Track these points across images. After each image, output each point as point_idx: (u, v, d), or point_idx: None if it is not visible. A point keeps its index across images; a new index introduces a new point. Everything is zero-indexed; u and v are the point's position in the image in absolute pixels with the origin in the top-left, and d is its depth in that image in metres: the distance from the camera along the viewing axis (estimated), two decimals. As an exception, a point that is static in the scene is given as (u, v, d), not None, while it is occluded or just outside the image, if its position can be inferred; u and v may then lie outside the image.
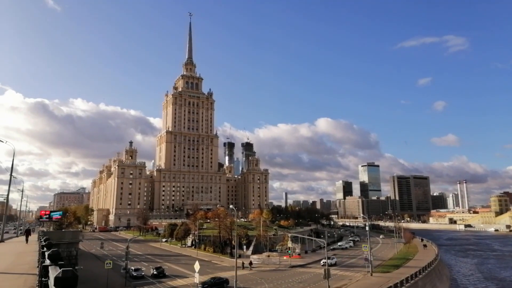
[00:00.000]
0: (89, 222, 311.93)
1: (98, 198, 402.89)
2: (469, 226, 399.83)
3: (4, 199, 71.64)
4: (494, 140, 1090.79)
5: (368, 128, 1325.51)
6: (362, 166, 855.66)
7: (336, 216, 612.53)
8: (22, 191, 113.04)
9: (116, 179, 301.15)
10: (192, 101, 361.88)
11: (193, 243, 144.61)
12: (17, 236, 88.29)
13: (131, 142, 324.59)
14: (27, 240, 56.78)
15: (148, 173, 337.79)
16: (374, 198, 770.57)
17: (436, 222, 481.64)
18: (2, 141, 61.02)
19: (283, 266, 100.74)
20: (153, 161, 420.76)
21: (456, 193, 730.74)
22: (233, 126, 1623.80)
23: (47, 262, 11.56)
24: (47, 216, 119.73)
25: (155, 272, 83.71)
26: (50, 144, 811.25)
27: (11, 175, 62.84)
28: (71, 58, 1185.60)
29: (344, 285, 73.79)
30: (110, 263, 66.94)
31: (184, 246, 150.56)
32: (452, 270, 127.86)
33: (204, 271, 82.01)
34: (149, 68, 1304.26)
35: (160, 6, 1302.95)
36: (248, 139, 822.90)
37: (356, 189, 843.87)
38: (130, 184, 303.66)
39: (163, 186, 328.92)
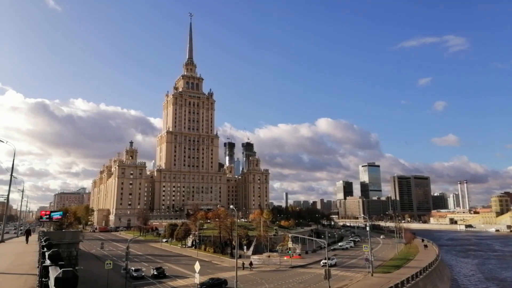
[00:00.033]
0: (89, 222, 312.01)
1: (98, 198, 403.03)
2: (470, 226, 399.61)
3: (5, 199, 71.63)
4: (494, 140, 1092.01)
5: (369, 128, 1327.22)
6: (362, 166, 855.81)
7: (337, 216, 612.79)
8: (23, 191, 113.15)
9: (116, 179, 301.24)
10: (192, 101, 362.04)
11: (194, 243, 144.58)
12: (17, 236, 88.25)
13: (131, 142, 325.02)
14: (27, 241, 56.71)
15: (148, 173, 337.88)
16: (375, 198, 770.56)
17: (436, 222, 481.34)
18: (3, 141, 61.04)
19: (284, 266, 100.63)
20: (153, 161, 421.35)
21: (456, 193, 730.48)
22: (234, 126, 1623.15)
23: (48, 262, 11.50)
24: (48, 216, 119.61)
25: (155, 273, 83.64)
26: (50, 144, 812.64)
27: (11, 175, 62.82)
28: (71, 58, 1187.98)
29: (345, 285, 73.68)
30: (110, 263, 66.85)
31: (184, 246, 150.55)
32: (453, 270, 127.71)
33: (205, 272, 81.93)
34: (150, 68, 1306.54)
35: (161, 6, 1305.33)
36: (248, 139, 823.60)
37: (356, 189, 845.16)
38: (131, 184, 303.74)
39: (164, 186, 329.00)
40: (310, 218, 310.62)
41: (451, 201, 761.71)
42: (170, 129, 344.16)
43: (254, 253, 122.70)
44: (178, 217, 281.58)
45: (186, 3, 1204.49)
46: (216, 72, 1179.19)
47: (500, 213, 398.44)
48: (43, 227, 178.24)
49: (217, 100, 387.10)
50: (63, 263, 11.07)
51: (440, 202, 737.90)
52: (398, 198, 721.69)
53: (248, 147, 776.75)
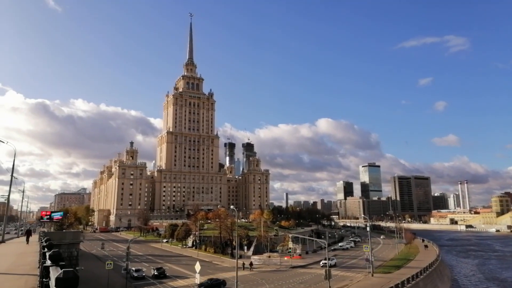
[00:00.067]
0: (89, 223, 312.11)
1: (98, 198, 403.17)
2: (470, 226, 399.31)
3: (5, 199, 71.72)
4: (495, 140, 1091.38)
5: (369, 128, 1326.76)
6: (362, 166, 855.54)
7: (337, 216, 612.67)
8: (23, 191, 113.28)
9: (116, 179, 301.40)
10: (192, 101, 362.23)
11: (194, 243, 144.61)
12: (18, 237, 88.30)
13: (131, 143, 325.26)
14: (27, 241, 56.75)
15: (148, 173, 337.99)
16: (375, 198, 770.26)
17: (437, 222, 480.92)
18: (3, 142, 61.12)
19: (284, 266, 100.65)
20: (153, 161, 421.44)
21: (457, 193, 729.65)
22: (234, 127, 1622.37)
23: (48, 262, 11.54)
24: (48, 216, 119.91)
25: (156, 273, 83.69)
26: (51, 145, 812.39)
27: (12, 175, 62.90)
28: (72, 58, 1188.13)
29: (345, 285, 73.71)
30: (111, 263, 66.89)
31: (184, 246, 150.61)
32: (453, 270, 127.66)
33: (205, 272, 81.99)
34: (150, 69, 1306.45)
35: (161, 6, 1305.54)
36: (248, 139, 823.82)
37: (357, 189, 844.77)
38: (131, 184, 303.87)
39: (164, 187, 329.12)
40: (311, 219, 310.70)
41: (451, 201, 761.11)
42: (171, 130, 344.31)
43: (254, 253, 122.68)
44: (178, 217, 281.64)
45: (186, 3, 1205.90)
46: (216, 72, 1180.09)
47: (500, 213, 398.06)
48: (44, 227, 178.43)
49: (218, 101, 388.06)
50: (63, 263, 11.12)
51: (441, 202, 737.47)
52: (398, 198, 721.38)
53: (248, 147, 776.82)
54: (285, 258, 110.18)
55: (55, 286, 7.27)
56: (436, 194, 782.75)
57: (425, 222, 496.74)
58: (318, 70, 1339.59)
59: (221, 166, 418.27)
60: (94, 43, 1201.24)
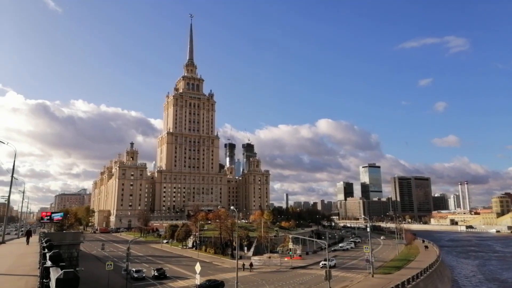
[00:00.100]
0: (90, 224, 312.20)
1: (99, 199, 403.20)
2: (471, 227, 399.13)
3: (6, 200, 71.74)
4: (495, 141, 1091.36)
5: (369, 129, 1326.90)
6: (363, 167, 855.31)
7: (337, 217, 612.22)
8: (23, 192, 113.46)
9: (117, 180, 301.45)
10: (193, 102, 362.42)
11: (194, 244, 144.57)
12: (18, 238, 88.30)
13: (132, 143, 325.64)
14: (28, 242, 56.74)
15: (149, 174, 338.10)
16: (375, 199, 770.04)
17: (437, 223, 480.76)
18: (4, 143, 61.15)
19: (284, 267, 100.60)
20: (154, 162, 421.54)
21: (457, 194, 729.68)
22: (234, 127, 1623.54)
23: (49, 263, 11.55)
24: (48, 217, 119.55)
25: (156, 274, 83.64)
26: (51, 146, 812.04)
27: (12, 176, 62.92)
28: (72, 59, 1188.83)
29: (346, 286, 73.68)
30: (111, 264, 66.88)
31: (185, 247, 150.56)
32: (454, 271, 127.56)
33: (205, 273, 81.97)
34: (150, 69, 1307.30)
35: (161, 7, 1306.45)
36: (249, 140, 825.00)
37: (357, 190, 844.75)
38: (131, 185, 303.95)
39: (164, 187, 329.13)
40: (311, 219, 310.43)
41: (451, 202, 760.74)
42: (171, 130, 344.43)
43: (254, 254, 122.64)
44: (178, 218, 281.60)
45: (186, 3, 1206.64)
46: (217, 73, 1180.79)
47: (500, 214, 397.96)
48: (44, 228, 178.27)
49: (218, 101, 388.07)
50: (64, 264, 11.13)
51: (441, 203, 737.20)
52: (398, 199, 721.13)
53: (248, 148, 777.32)
54: (285, 259, 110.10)
55: (56, 287, 7.28)
56: (436, 195, 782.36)
57: (425, 222, 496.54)
58: (318, 70, 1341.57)
59: (221, 166, 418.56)
60: (95, 44, 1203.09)
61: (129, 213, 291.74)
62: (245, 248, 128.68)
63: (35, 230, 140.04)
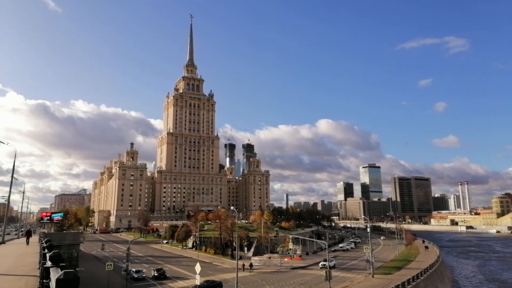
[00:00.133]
0: (90, 224, 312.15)
1: (99, 199, 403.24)
2: (471, 227, 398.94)
3: (6, 200, 71.71)
4: (495, 141, 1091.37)
5: (369, 129, 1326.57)
6: (363, 167, 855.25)
7: (337, 217, 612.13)
8: (23, 192, 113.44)
9: (117, 180, 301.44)
10: (193, 102, 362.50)
11: (194, 244, 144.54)
12: (18, 238, 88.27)
13: (132, 144, 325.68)
14: (27, 242, 56.70)
15: (149, 174, 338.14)
16: (375, 199, 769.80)
17: (437, 223, 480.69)
18: (4, 143, 61.12)
19: (284, 267, 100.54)
20: (154, 162, 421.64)
21: (457, 194, 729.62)
22: (234, 128, 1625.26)
23: (49, 263, 11.51)
24: (48, 217, 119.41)
25: (156, 274, 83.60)
26: (51, 146, 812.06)
27: (12, 176, 62.89)
28: (72, 59, 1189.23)
29: (346, 286, 73.65)
30: (111, 264, 66.85)
31: (185, 247, 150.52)
32: (454, 271, 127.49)
33: (205, 273, 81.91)
34: (150, 70, 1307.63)
35: (161, 7, 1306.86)
36: (249, 140, 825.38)
37: (357, 190, 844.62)
38: (131, 185, 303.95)
39: (164, 188, 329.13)
40: (311, 219, 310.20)
41: (451, 202, 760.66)
42: (171, 131, 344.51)
43: (254, 254, 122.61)
44: (178, 218, 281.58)
45: (187, 4, 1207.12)
46: (217, 73, 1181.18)
47: (501, 214, 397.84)
48: (44, 228, 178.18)
49: (218, 101, 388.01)
50: (64, 264, 11.10)
51: (441, 203, 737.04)
52: (398, 199, 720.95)
53: (248, 148, 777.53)
54: (285, 259, 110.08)
55: (56, 287, 7.25)
56: (436, 195, 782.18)
57: (425, 223, 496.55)
58: (318, 70, 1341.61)
59: (221, 167, 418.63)
60: (95, 44, 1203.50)
61: (129, 213, 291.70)
62: (245, 248, 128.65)
63: (35, 231, 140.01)
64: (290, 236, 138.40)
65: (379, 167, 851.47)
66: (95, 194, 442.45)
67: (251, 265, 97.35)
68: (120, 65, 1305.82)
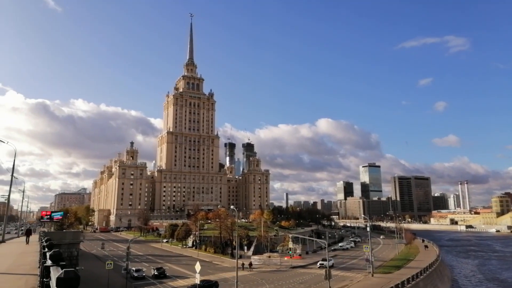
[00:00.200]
0: (90, 223, 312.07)
1: (99, 198, 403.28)
2: (470, 227, 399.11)
3: (5, 199, 71.74)
4: (495, 141, 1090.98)
5: (369, 128, 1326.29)
6: (363, 166, 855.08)
7: (337, 216, 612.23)
8: (23, 191, 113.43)
9: (117, 179, 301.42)
10: (193, 101, 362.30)
11: (194, 243, 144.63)
12: (18, 237, 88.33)
13: (132, 143, 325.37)
14: (27, 241, 56.73)
15: (149, 173, 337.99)
16: (375, 198, 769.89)
17: (437, 222, 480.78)
18: (3, 142, 61.14)
19: (284, 266, 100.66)
20: (154, 161, 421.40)
21: (457, 193, 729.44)
22: (234, 127, 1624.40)
23: (49, 262, 11.53)
24: (48, 216, 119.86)
25: (156, 273, 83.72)
26: (51, 145, 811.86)
27: (12, 175, 62.91)
28: (72, 59, 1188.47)
29: (345, 285, 73.72)
30: (111, 263, 66.90)
31: (185, 246, 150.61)
32: (454, 271, 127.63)
33: (205, 272, 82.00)
34: (150, 69, 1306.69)
35: (161, 6, 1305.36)
36: (249, 139, 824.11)
37: (357, 189, 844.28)
38: (131, 184, 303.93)
39: (164, 187, 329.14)
40: (311, 219, 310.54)
41: (451, 202, 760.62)
42: (171, 130, 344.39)
43: (254, 253, 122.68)
44: (178, 217, 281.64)
45: (186, 3, 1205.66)
46: (217, 73, 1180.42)
47: (500, 213, 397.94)
48: (44, 227, 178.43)
49: (218, 101, 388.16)
50: (64, 263, 11.12)
51: (441, 203, 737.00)
52: (398, 199, 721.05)
53: (248, 147, 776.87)
54: (285, 258, 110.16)
55: (56, 286, 7.26)
56: (436, 195, 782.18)
57: (425, 222, 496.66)
58: (318, 70, 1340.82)
59: (221, 166, 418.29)
60: (94, 43, 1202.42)
61: (129, 213, 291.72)
62: (245, 247, 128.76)
63: (35, 229, 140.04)
64: (290, 235, 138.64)
65: (379, 167, 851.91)
66: (95, 193, 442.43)
67: (250, 264, 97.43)
68: (120, 64, 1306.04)
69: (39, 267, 19.45)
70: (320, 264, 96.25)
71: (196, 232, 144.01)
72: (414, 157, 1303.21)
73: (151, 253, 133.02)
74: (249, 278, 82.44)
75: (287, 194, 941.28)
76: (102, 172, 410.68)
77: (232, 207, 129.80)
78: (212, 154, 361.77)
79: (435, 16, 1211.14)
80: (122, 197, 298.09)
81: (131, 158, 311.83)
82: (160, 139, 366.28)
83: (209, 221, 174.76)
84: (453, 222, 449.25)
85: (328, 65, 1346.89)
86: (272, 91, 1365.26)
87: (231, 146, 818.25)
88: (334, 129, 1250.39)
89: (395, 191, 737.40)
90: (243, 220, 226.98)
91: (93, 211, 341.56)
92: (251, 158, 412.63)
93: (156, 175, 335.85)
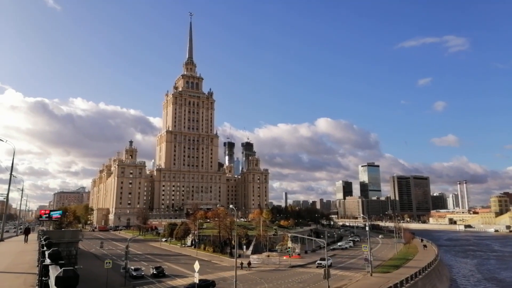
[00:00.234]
0: (88, 222, 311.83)
1: (98, 197, 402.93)
2: (469, 226, 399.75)
3: (4, 198, 71.59)
4: (494, 141, 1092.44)
5: (368, 128, 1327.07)
6: (362, 166, 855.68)
7: (336, 216, 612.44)
8: (22, 190, 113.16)
9: (116, 178, 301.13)
10: (192, 100, 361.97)
11: (193, 242, 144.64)
12: (16, 235, 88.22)
13: (131, 142, 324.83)
14: (26, 239, 56.61)
15: (148, 172, 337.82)
16: (374, 198, 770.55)
17: (436, 222, 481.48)
18: (2, 140, 60.97)
19: (283, 266, 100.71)
20: (153, 160, 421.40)
21: (456, 193, 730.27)
22: (233, 126, 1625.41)
23: (48, 261, 11.47)
24: (47, 215, 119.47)
25: (154, 272, 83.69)
26: (50, 143, 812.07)
27: (11, 174, 62.77)
28: (71, 57, 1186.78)
29: (344, 285, 73.76)
30: (109, 262, 66.86)
31: (183, 245, 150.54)
32: (452, 270, 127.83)
33: (204, 271, 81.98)
34: (149, 68, 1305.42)
35: (160, 5, 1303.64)
36: (248, 139, 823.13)
37: (356, 189, 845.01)
38: (130, 183, 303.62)
39: (163, 186, 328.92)
40: (310, 218, 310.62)
41: (450, 201, 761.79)
42: (170, 129, 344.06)
43: (253, 252, 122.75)
44: (177, 216, 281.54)
45: (186, 2, 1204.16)
46: (216, 72, 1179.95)
47: (499, 213, 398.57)
48: (43, 226, 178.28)
49: (217, 100, 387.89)
50: (63, 262, 11.06)
51: (440, 202, 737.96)
52: (397, 198, 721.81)
53: (247, 146, 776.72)
54: (284, 258, 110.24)
55: (55, 285, 7.21)
56: (435, 194, 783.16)
57: (424, 222, 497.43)
58: (318, 70, 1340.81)
59: (221, 165, 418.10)
60: (93, 42, 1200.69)
61: (128, 212, 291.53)
62: (244, 246, 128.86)
63: (34, 228, 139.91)
64: (289, 235, 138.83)
65: (378, 166, 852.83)
66: (94, 192, 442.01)
67: (249, 263, 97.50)
68: (119, 63, 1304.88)
69: (38, 266, 19.38)
70: (318, 263, 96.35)
71: (195, 231, 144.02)
72: (413, 156, 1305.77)
73: (150, 252, 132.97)
74: (248, 277, 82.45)
75: (286, 194, 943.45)
76: (101, 171, 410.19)
77: (231, 206, 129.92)
78: (211, 153, 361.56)
79: (435, 16, 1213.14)
80: (121, 196, 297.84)
81: (130, 157, 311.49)
82: (159, 138, 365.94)
83: (208, 220, 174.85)
84: (452, 221, 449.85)
85: (328, 64, 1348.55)
86: (272, 90, 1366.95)
87: (230, 145, 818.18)
88: (334, 129, 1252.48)
89: (394, 190, 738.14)
90: (242, 219, 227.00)
91: (92, 210, 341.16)
92: (250, 158, 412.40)
93: (155, 174, 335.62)
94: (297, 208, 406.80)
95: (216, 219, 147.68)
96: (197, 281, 62.81)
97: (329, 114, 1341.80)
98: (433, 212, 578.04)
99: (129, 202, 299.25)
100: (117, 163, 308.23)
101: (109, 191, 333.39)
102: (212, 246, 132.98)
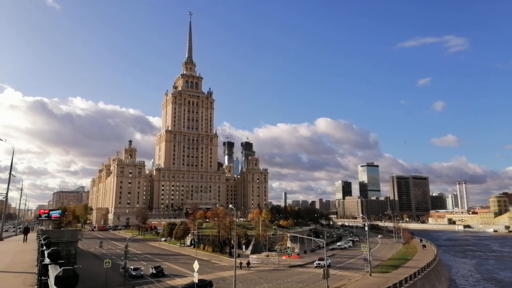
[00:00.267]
0: (88, 221, 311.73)
1: (97, 197, 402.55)
2: (468, 226, 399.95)
3: (4, 197, 71.50)
4: (493, 141, 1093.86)
5: (368, 128, 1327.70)
6: (361, 166, 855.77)
7: (335, 216, 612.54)
8: (21, 189, 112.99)
9: (115, 178, 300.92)
10: (191, 100, 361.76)
11: (192, 242, 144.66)
12: (16, 235, 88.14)
13: (130, 141, 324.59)
14: (25, 239, 56.58)
15: (147, 172, 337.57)
16: (373, 198, 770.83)
17: (435, 222, 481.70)
18: (1, 140, 60.94)
19: (282, 266, 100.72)
20: (152, 160, 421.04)
21: (455, 193, 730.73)
22: (233, 126, 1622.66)
23: (47, 260, 11.47)
24: (46, 214, 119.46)
25: (154, 272, 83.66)
26: (49, 143, 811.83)
27: (10, 173, 62.72)
28: (70, 56, 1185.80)
29: (343, 285, 73.79)
30: (109, 262, 66.81)
31: (183, 245, 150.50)
32: (451, 270, 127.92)
33: (203, 271, 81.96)
34: (149, 67, 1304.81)
35: (160, 5, 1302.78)
36: (247, 138, 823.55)
37: (355, 189, 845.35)
38: (130, 183, 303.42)
39: (163, 185, 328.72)
40: (309, 218, 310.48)
41: (449, 202, 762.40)
42: (169, 128, 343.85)
43: (252, 252, 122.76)
44: (177, 216, 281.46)
45: (186, 2, 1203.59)
46: (216, 72, 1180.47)
47: (498, 213, 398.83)
48: (42, 225, 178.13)
49: (217, 100, 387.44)
50: (62, 261, 11.06)
51: (439, 202, 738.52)
52: (396, 198, 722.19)
53: (247, 146, 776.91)
54: (283, 257, 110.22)
55: (55, 284, 7.21)
56: (434, 194, 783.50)
57: (423, 222, 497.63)
58: (318, 70, 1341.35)
59: (220, 165, 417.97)
60: (93, 42, 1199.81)
61: (127, 211, 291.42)
62: (243, 246, 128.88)
63: (33, 228, 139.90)
64: (288, 235, 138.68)
65: (377, 166, 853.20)
66: (93, 192, 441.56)
67: (248, 263, 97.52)
68: (118, 62, 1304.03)
69: (37, 265, 19.39)
70: (316, 263, 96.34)
71: (195, 231, 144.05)
72: (413, 156, 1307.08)
73: (149, 251, 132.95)
74: (247, 277, 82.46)
75: (285, 193, 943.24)
76: (100, 171, 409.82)
77: (230, 206, 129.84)
78: (211, 153, 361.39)
79: (434, 16, 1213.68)
80: (120, 196, 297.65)
81: (129, 156, 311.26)
82: (158, 137, 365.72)
83: (207, 220, 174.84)
84: (451, 222, 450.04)
85: (328, 64, 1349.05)
86: (271, 90, 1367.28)
87: (229, 145, 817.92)
88: (333, 129, 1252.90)
89: (394, 190, 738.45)
90: (242, 219, 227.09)
91: (91, 209, 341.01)
92: (249, 157, 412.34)
93: (154, 173, 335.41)
94: (296, 208, 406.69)
95: (216, 218, 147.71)
96: (197, 281, 62.87)
97: (328, 114, 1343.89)
98: (432, 212, 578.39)
99: (128, 201, 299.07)
100: (116, 163, 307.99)
101: (108, 191, 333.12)
102: (211, 246, 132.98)
